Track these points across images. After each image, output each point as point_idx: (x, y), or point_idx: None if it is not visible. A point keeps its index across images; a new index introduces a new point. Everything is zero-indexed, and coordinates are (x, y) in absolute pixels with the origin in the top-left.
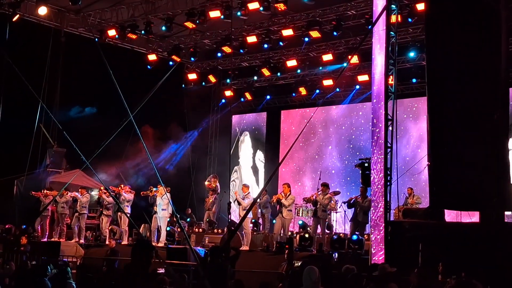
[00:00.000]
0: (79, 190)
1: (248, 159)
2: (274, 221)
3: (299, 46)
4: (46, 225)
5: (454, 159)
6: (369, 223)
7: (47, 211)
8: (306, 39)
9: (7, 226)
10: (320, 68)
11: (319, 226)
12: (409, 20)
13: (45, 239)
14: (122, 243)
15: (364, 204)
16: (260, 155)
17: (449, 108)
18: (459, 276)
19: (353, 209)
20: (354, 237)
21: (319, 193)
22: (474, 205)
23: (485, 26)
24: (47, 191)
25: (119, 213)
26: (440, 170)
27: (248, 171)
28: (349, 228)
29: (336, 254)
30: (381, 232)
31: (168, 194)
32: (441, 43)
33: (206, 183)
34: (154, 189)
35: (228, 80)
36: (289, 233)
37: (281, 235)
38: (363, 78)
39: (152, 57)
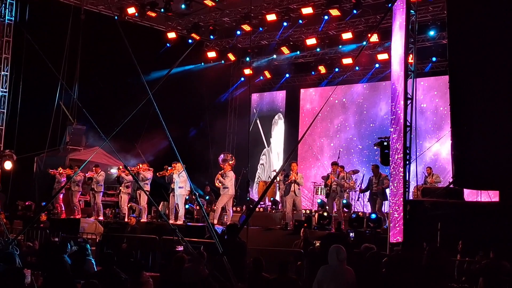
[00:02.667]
0: (93, 168)
1: (280, 142)
2: None
3: (318, 24)
4: (60, 202)
5: (474, 138)
6: (388, 201)
7: (64, 188)
8: (326, 17)
9: (27, 203)
10: (340, 46)
11: (334, 204)
12: None
13: (64, 216)
14: (141, 220)
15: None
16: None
17: (471, 86)
18: (487, 255)
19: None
20: (373, 215)
21: (331, 172)
22: (495, 184)
23: (508, 3)
24: (62, 169)
25: (138, 191)
26: (462, 149)
27: (280, 155)
28: (369, 206)
29: (353, 233)
30: (400, 211)
31: (185, 171)
32: (463, 20)
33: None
34: (169, 168)
35: (247, 58)
36: (304, 211)
37: (297, 211)
38: (382, 56)
39: (171, 35)
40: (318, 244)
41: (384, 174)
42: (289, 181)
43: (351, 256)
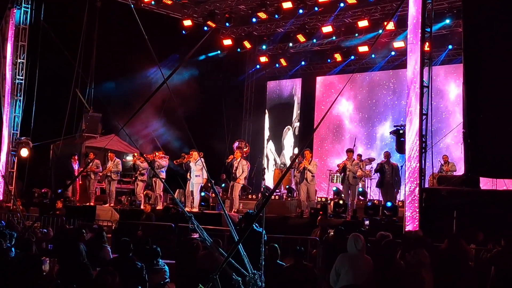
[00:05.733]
0: (109, 154)
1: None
2: None
3: (334, 12)
4: (76, 190)
5: (489, 127)
6: (400, 188)
7: (79, 177)
8: (342, 4)
9: (43, 190)
10: (356, 35)
11: (350, 192)
12: None
13: (80, 203)
14: (157, 208)
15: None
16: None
17: (486, 75)
18: (497, 243)
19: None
20: (389, 203)
21: (346, 159)
22: (509, 173)
23: None
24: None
25: (153, 178)
26: (476, 138)
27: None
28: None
29: (368, 221)
30: (416, 199)
31: (202, 159)
32: (478, 9)
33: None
34: (187, 155)
35: (263, 46)
36: (323, 199)
37: (312, 200)
38: (398, 44)
39: (187, 22)
40: (332, 233)
41: (395, 163)
42: (301, 168)
43: (366, 244)
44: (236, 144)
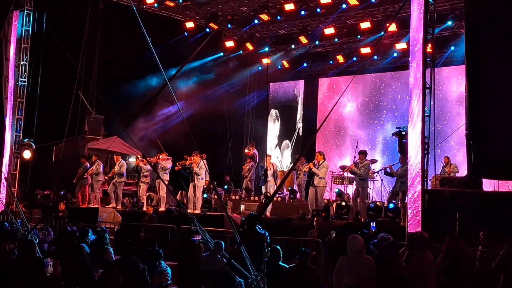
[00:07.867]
0: (114, 156)
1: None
2: None
3: (337, 13)
4: (85, 191)
5: (492, 128)
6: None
7: (88, 178)
8: (344, 5)
9: (46, 192)
10: (358, 36)
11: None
12: None
13: (85, 205)
14: (160, 209)
15: (397, 172)
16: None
17: (488, 76)
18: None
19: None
20: (391, 205)
21: (356, 161)
22: None
23: None
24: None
25: (157, 180)
26: (479, 139)
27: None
28: (386, 196)
29: (374, 223)
30: (418, 201)
31: (204, 161)
32: (480, 9)
33: (246, 150)
34: (189, 157)
35: (266, 48)
36: (325, 201)
37: (318, 203)
38: (401, 46)
39: (189, 24)
40: (334, 234)
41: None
42: (306, 170)
43: (369, 246)
44: (252, 151)
